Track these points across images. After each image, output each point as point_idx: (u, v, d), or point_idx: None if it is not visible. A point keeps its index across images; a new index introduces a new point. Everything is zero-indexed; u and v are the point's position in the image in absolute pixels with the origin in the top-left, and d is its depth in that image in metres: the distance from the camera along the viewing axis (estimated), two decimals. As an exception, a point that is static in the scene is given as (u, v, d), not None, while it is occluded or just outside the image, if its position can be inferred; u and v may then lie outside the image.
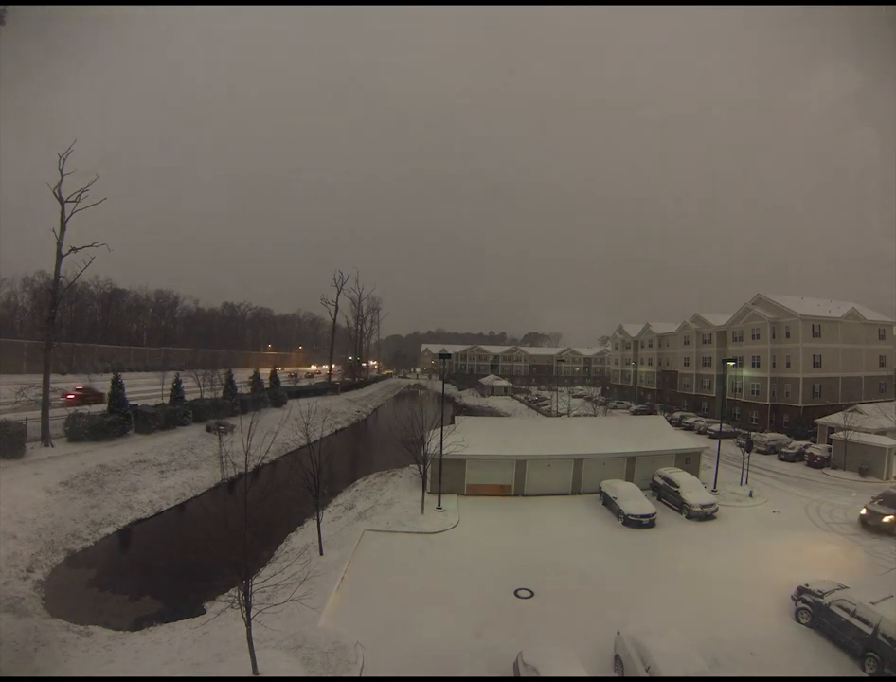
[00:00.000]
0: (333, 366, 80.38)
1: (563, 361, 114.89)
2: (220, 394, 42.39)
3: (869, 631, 12.35)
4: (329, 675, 11.53)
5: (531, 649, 11.46)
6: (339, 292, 75.66)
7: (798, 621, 14.31)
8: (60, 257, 27.34)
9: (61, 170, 26.80)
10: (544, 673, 10.37)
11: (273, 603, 11.42)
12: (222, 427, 33.99)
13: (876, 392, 47.60)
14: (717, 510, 23.39)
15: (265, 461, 18.78)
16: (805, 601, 14.36)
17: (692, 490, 24.07)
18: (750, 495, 26.35)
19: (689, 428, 48.08)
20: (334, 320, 77.75)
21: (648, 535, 21.21)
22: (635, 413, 58.71)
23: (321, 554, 18.41)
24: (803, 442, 37.38)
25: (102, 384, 36.78)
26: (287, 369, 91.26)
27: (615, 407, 65.29)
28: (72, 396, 37.19)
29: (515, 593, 15.97)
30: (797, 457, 35.60)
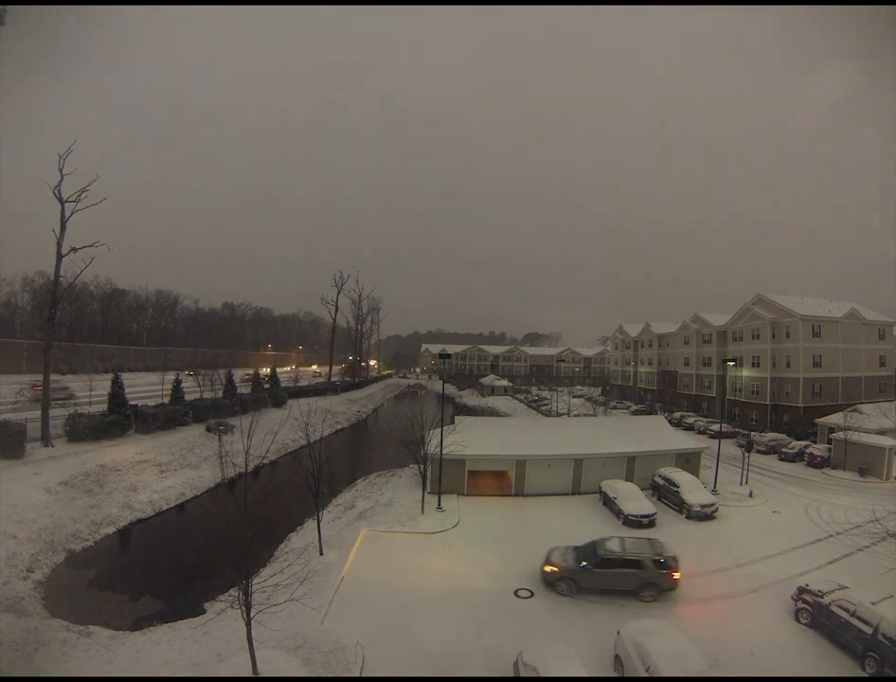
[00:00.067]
0: (333, 366, 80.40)
1: (563, 361, 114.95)
2: (220, 394, 42.41)
3: (869, 631, 12.35)
4: (329, 675, 11.53)
5: (531, 649, 11.47)
6: (339, 292, 75.78)
7: (798, 621, 14.30)
8: (60, 257, 27.35)
9: (61, 170, 26.82)
10: (544, 673, 10.37)
11: (273, 603, 11.42)
12: (222, 427, 33.97)
13: (876, 392, 47.60)
14: (717, 510, 23.39)
15: (265, 461, 18.79)
16: (805, 601, 14.36)
17: (692, 490, 24.07)
18: (750, 495, 26.35)
19: (690, 428, 48.08)
20: (334, 320, 77.88)
21: (648, 535, 21.16)
22: (635, 413, 58.70)
23: (321, 554, 18.41)
24: (803, 442, 37.37)
25: (103, 383, 36.69)
26: (286, 369, 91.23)
27: (615, 407, 65.25)
28: (39, 387, 36.91)
29: (515, 593, 15.96)
30: (797, 458, 35.60)
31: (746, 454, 29.80)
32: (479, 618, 14.26)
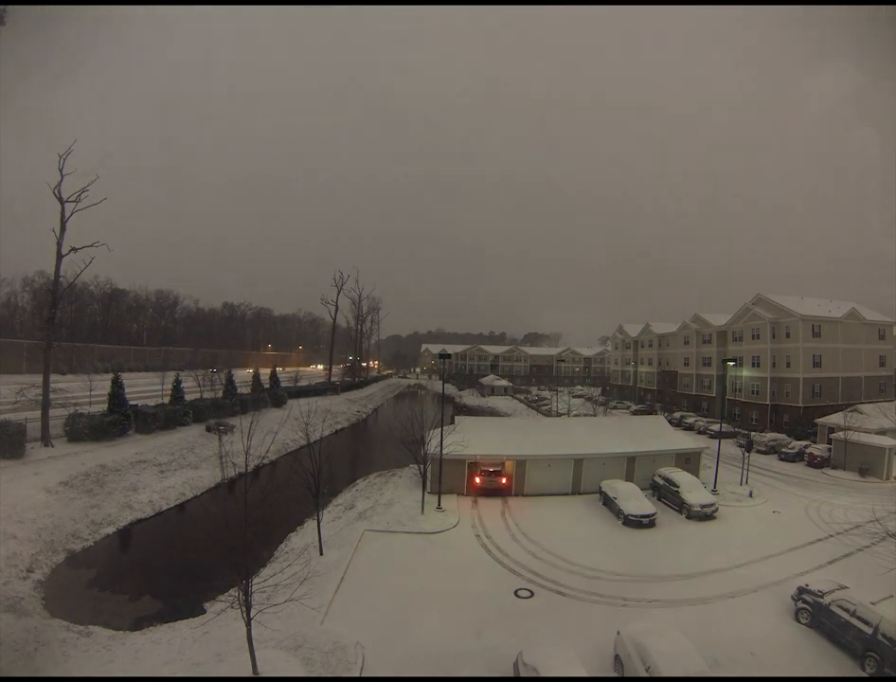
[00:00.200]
0: (333, 366, 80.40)
1: (563, 361, 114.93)
2: (220, 394, 42.40)
3: (869, 631, 12.35)
4: (329, 675, 11.53)
5: (531, 649, 11.46)
6: (339, 292, 75.88)
7: (798, 621, 14.30)
8: (60, 257, 27.34)
9: (61, 170, 26.81)
10: (544, 673, 10.37)
11: (273, 603, 11.42)
12: (222, 427, 33.98)
13: (876, 392, 47.61)
14: (717, 510, 23.39)
15: (265, 461, 18.80)
16: (805, 601, 14.36)
17: (692, 490, 24.07)
18: (750, 495, 26.35)
19: (690, 428, 48.10)
20: (334, 320, 77.91)
21: (648, 535, 21.21)
22: (635, 413, 58.72)
23: (321, 554, 18.41)
24: (803, 442, 37.39)
25: (103, 383, 36.67)
26: (288, 369, 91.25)
27: (615, 407, 65.30)
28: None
29: (515, 593, 15.97)
30: (797, 458, 35.62)
31: (746, 454, 29.79)
32: (479, 618, 14.26)
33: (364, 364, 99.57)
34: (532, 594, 15.91)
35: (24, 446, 24.34)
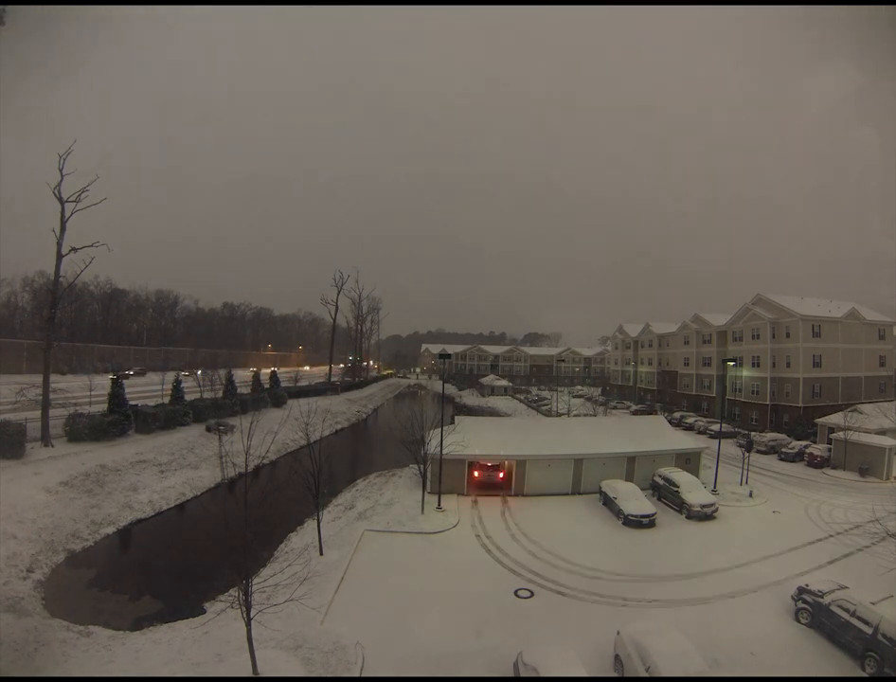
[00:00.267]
0: (333, 365, 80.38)
1: (563, 361, 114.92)
2: (220, 394, 42.40)
3: (869, 631, 12.35)
4: (329, 675, 11.53)
5: (531, 649, 11.46)
6: (339, 292, 75.82)
7: (798, 621, 14.30)
8: (60, 257, 27.34)
9: (61, 170, 26.82)
10: (544, 673, 10.37)
11: (273, 603, 11.42)
12: (222, 427, 33.98)
13: (876, 392, 47.60)
14: (717, 510, 23.39)
15: (265, 461, 18.79)
16: (805, 601, 14.36)
17: (692, 490, 24.07)
18: (750, 495, 26.34)
19: (690, 428, 48.09)
20: (334, 320, 77.86)
21: (648, 535, 21.21)
22: (635, 413, 58.70)
23: (321, 554, 18.41)
24: (803, 442, 37.38)
25: (103, 383, 36.70)
26: (287, 369, 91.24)
27: (615, 407, 65.29)
28: None
29: (515, 593, 15.97)
30: (797, 458, 35.61)
31: (746, 454, 29.79)
32: (479, 618, 14.26)
33: (364, 364, 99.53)
34: (532, 594, 15.91)
35: (24, 446, 24.34)
